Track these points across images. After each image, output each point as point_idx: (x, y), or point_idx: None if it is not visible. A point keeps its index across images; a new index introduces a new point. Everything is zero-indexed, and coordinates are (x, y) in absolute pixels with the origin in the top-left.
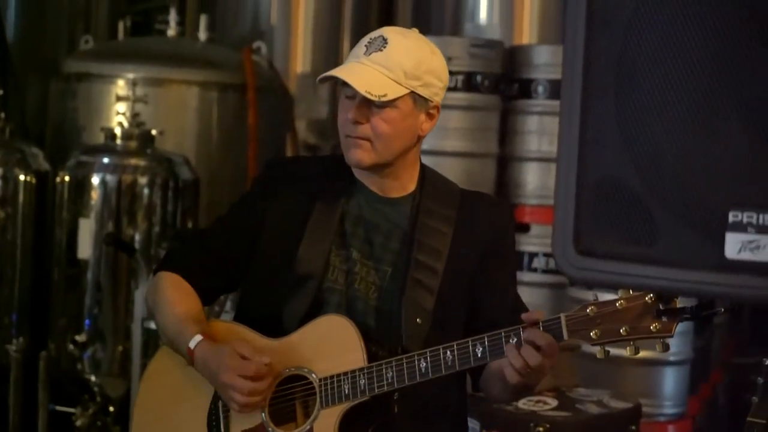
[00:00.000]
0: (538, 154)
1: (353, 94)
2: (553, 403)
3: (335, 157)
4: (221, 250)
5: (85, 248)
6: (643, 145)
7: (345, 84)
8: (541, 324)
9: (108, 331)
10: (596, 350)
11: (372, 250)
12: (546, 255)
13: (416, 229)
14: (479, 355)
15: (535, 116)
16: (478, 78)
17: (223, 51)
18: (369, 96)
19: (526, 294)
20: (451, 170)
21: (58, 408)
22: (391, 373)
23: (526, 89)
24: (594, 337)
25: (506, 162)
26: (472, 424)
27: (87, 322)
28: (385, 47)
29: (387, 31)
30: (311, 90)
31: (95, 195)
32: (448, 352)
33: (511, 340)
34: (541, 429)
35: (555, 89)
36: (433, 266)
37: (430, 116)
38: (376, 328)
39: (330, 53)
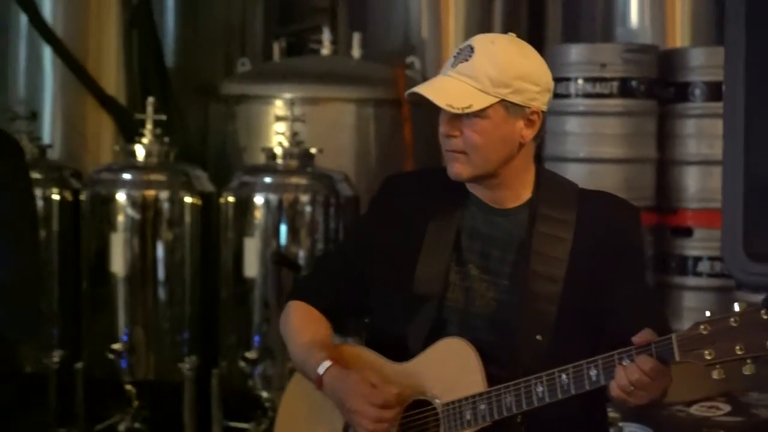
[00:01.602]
0: (698, 158)
1: None
2: (726, 408)
3: None
4: (342, 273)
5: (251, 266)
6: None
7: None
8: (653, 345)
9: (277, 348)
10: (713, 373)
11: (489, 265)
12: (711, 258)
13: (533, 239)
14: (593, 378)
15: (693, 119)
16: (633, 83)
17: (376, 67)
18: (451, 109)
19: (692, 299)
20: (609, 177)
21: (232, 424)
22: (509, 398)
23: (682, 92)
24: (708, 357)
25: (665, 166)
26: (643, 430)
27: (256, 338)
28: (471, 57)
29: (476, 40)
30: None
31: (259, 214)
32: (564, 376)
33: (623, 362)
34: None
35: (712, 91)
36: (552, 275)
37: (530, 122)
38: (497, 347)
39: None
